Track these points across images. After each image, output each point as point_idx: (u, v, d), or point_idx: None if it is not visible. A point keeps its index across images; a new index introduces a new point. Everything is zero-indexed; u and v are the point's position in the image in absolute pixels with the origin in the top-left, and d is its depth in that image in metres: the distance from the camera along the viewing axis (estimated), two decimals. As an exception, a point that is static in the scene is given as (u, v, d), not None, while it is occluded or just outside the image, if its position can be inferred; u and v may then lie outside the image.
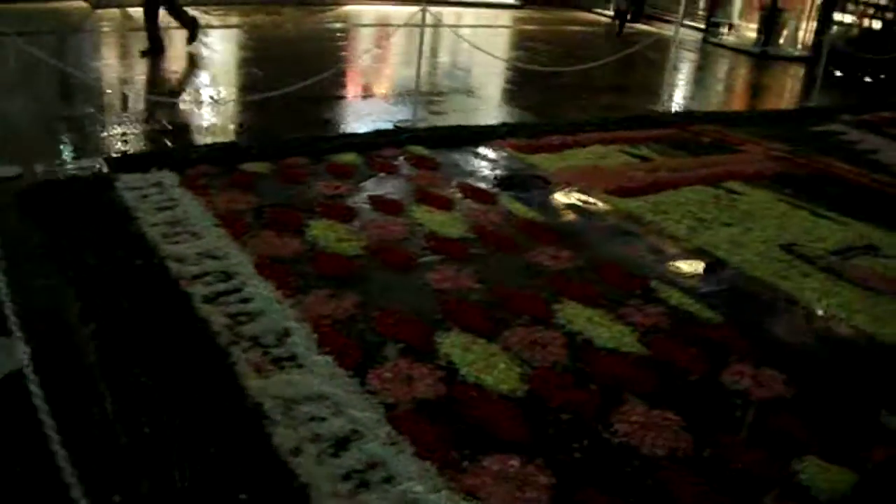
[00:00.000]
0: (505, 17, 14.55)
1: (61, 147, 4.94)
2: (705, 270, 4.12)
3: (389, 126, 6.06)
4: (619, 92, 8.53)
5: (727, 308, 3.67)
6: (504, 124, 6.39)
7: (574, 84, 8.49)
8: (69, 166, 4.42)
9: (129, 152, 4.86)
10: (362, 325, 3.13)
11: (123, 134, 5.30)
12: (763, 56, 12.23)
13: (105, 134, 5.31)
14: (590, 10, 15.42)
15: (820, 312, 3.78)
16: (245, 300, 3.21)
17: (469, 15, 14.54)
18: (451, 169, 5.22)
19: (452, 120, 6.49)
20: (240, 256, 3.57)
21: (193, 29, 8.14)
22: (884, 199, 5.71)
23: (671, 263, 4.13)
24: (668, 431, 2.67)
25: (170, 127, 5.62)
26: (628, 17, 13.24)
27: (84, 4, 10.24)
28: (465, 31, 12.74)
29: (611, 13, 14.44)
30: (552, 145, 5.93)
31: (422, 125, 6.16)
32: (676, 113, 7.51)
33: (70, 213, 3.83)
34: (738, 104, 9.41)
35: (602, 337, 3.23)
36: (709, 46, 12.98)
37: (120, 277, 3.25)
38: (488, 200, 4.68)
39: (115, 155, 4.66)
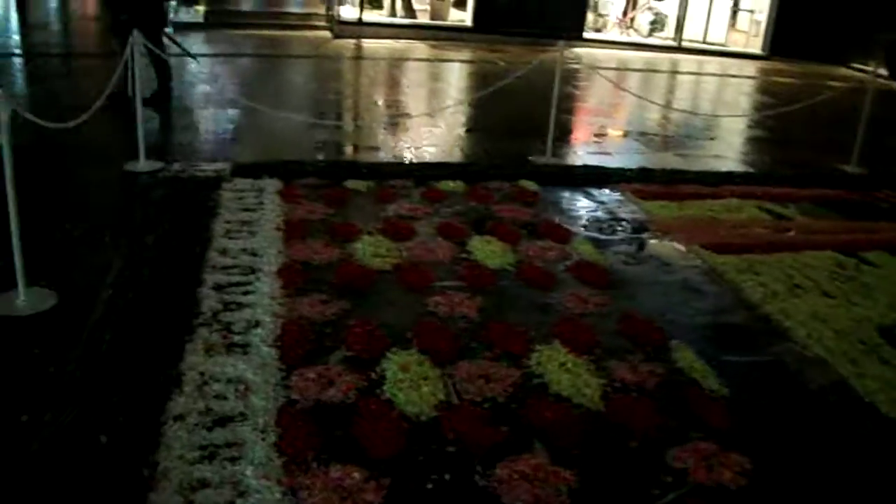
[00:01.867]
0: (750, 68, 13.59)
1: (221, 152, 5.83)
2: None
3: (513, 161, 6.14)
4: (812, 148, 7.58)
5: (744, 382, 3.20)
6: (641, 168, 6.09)
7: (766, 138, 7.77)
8: (203, 166, 5.22)
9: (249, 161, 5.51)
10: (329, 330, 3.31)
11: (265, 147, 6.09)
12: None
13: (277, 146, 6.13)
14: (847, 66, 13.72)
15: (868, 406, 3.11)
16: (247, 293, 3.57)
17: (712, 63, 13.86)
18: (548, 205, 5.15)
19: (596, 161, 6.34)
20: (274, 257, 3.96)
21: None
22: None
23: (713, 325, 3.70)
24: (548, 488, 2.46)
25: (320, 144, 6.32)
26: None
27: (327, 34, 11.79)
28: (691, 78, 12.26)
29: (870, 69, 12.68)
30: (680, 194, 5.54)
31: (553, 161, 6.13)
32: (860, 174, 6.50)
33: (171, 203, 4.57)
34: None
35: (561, 384, 3.02)
36: None
37: (160, 258, 3.82)
38: (561, 239, 4.55)
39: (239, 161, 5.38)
